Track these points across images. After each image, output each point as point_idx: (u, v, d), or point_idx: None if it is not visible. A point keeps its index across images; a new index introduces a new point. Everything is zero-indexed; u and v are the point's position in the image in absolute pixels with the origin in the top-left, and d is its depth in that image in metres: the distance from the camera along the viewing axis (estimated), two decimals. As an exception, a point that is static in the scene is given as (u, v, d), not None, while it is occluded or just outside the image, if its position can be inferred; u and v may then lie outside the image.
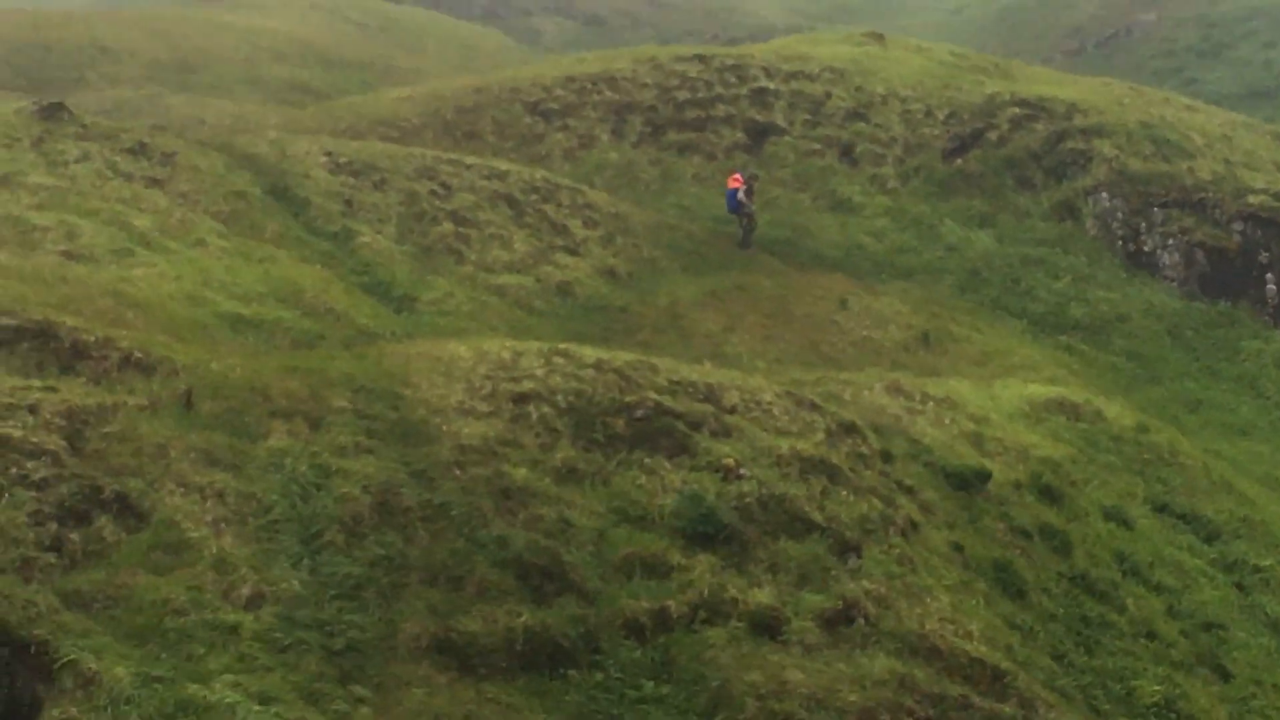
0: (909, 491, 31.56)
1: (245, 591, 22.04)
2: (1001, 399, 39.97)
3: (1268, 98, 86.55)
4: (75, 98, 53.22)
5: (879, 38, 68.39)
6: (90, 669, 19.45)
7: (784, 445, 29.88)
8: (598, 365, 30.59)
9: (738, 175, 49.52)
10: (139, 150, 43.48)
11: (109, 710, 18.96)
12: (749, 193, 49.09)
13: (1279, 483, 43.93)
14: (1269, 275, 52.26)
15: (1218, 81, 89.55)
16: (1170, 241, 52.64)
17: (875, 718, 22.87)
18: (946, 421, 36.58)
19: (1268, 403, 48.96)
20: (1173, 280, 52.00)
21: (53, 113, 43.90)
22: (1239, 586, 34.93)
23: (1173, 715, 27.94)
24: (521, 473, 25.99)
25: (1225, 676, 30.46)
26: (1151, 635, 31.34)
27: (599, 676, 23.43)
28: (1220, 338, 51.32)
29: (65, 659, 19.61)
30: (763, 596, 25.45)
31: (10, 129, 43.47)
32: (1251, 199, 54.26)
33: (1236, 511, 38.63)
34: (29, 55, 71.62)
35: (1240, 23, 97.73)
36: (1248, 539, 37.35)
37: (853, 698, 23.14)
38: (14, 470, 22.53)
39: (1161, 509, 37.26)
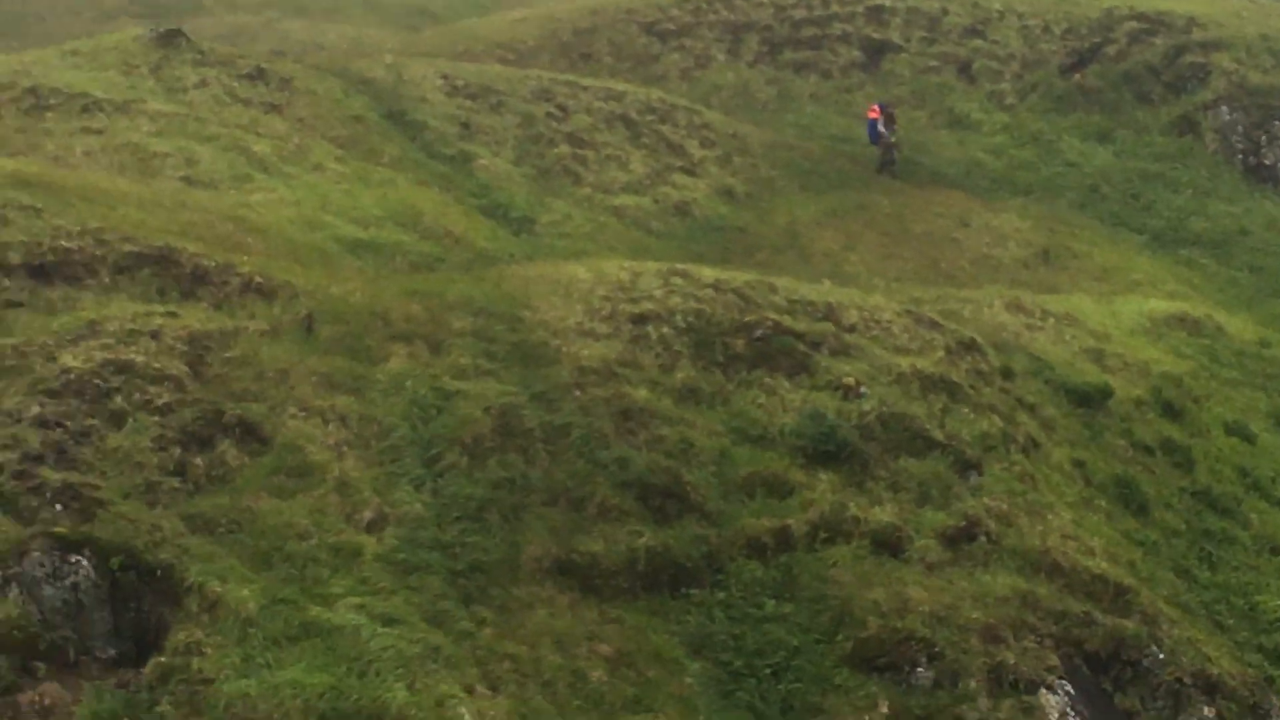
0: (1030, 408, 31.99)
1: (367, 514, 22.45)
2: (1122, 315, 40.20)
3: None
4: (193, 24, 54.52)
5: (995, -47, 68.42)
6: (215, 592, 19.78)
7: (904, 363, 30.12)
8: (716, 285, 30.80)
9: (876, 106, 50.65)
10: (257, 76, 44.33)
11: (234, 633, 19.32)
12: (889, 123, 50.12)
13: (1403, 392, 43.92)
14: (1393, 186, 51.96)
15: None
16: (1292, 154, 52.33)
17: (998, 634, 23.17)
18: (1067, 338, 37.03)
19: (1388, 313, 48.83)
20: (1294, 193, 51.76)
21: (171, 39, 44.63)
22: (1364, 499, 34.83)
23: (1297, 629, 28.19)
24: (641, 394, 26.19)
25: (1350, 590, 30.64)
26: (1275, 550, 31.70)
27: (721, 595, 23.79)
28: (1344, 249, 51.10)
29: (190, 583, 19.93)
30: (884, 515, 25.67)
31: (129, 56, 44.40)
32: (1374, 109, 54.18)
33: (1360, 424, 38.42)
34: (147, -19, 73.08)
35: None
36: (1372, 451, 37.10)
37: (975, 615, 23.47)
38: (137, 395, 23.01)
39: (1284, 423, 37.21)
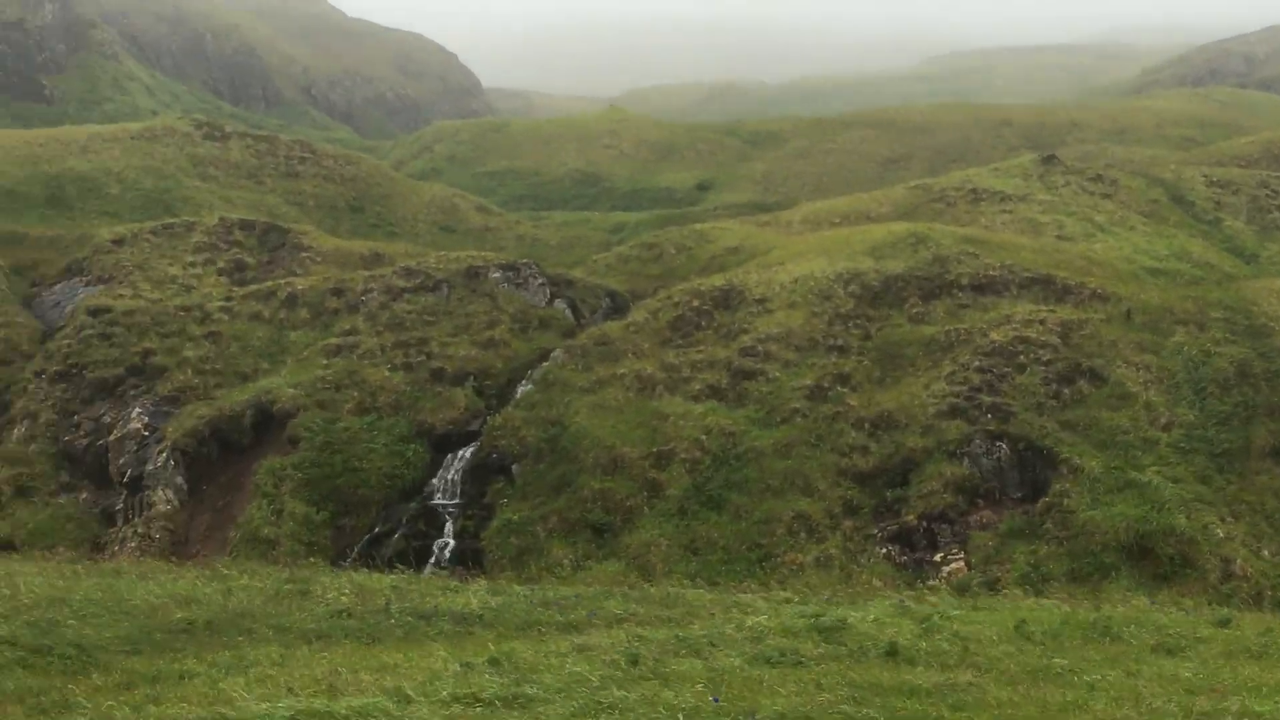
0: None
1: (1162, 420, 31.68)
2: None
3: None
4: (1061, 151, 67.15)
5: None
6: (1075, 463, 29.64)
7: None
8: None
9: None
10: (1095, 179, 56.22)
11: (1087, 486, 28.89)
12: None
13: None
14: None
15: None
16: None
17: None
18: None
19: None
20: None
21: (1049, 160, 58.52)
22: None
23: None
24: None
25: None
26: None
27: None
28: None
29: (1062, 456, 29.84)
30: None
31: (1025, 170, 57.38)
32: None
33: None
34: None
35: None
36: None
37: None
38: (1033, 354, 33.28)
39: None
